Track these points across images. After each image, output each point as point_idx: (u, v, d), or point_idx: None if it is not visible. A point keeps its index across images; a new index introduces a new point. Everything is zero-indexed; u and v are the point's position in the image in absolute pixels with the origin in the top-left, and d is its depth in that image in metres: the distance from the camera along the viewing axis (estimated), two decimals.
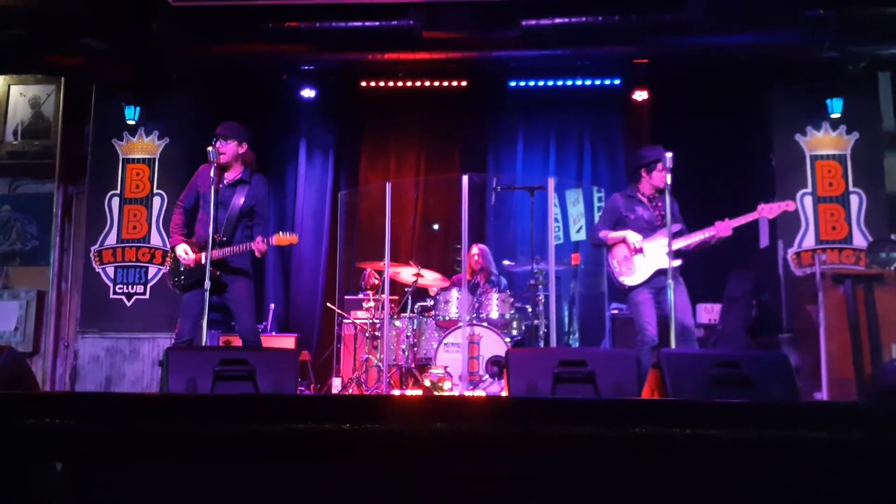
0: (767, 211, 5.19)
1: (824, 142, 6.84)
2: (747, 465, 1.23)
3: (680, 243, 5.06)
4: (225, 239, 4.88)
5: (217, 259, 4.79)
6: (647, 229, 5.22)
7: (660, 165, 5.13)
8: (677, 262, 4.98)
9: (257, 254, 4.87)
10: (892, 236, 6.39)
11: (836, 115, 6.72)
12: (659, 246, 5.09)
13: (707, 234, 5.10)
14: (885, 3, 5.96)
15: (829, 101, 6.70)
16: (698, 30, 6.14)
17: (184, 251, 4.93)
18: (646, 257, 5.15)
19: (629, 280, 5.20)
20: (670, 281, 4.75)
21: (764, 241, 7.08)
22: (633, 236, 5.16)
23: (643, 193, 5.35)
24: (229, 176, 5.03)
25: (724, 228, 5.06)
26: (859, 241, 6.61)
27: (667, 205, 4.87)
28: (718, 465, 1.23)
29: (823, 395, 5.67)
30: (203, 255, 4.75)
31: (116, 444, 1.27)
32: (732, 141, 7.44)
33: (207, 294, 4.59)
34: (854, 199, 6.74)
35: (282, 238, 4.85)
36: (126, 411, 1.31)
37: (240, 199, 4.98)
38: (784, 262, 6.71)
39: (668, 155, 4.80)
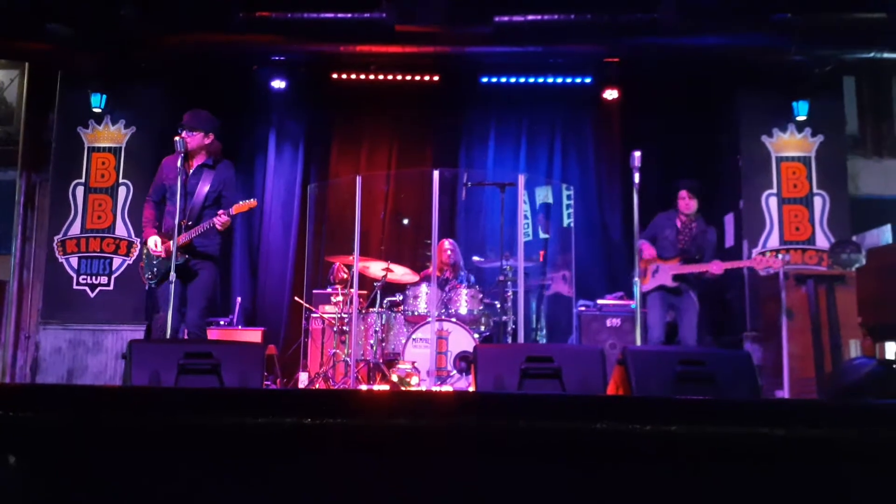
0: (758, 262, 5.77)
1: (790, 144, 6.95)
2: (707, 460, 1.25)
3: (682, 270, 5.72)
4: (191, 224, 4.87)
5: (184, 244, 4.78)
6: (670, 249, 5.84)
7: (681, 193, 5.86)
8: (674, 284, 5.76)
9: (219, 226, 4.82)
10: (854, 238, 6.51)
11: (801, 118, 6.83)
12: (669, 267, 5.78)
13: (702, 269, 5.68)
14: (851, 9, 6.07)
15: (795, 104, 6.80)
16: (669, 31, 6.19)
17: (154, 243, 4.93)
18: (658, 272, 5.80)
19: (642, 286, 5.85)
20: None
21: (729, 241, 7.18)
22: (647, 253, 5.83)
23: (679, 217, 5.94)
24: (194, 164, 5.01)
25: (717, 268, 5.63)
26: (822, 242, 6.74)
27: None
28: (679, 460, 1.24)
29: (785, 393, 5.77)
30: (171, 243, 4.72)
31: (74, 437, 1.25)
32: (700, 141, 7.53)
33: (173, 285, 4.57)
34: (818, 201, 6.85)
35: (240, 206, 4.88)
36: (84, 404, 1.28)
37: (205, 186, 4.96)
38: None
39: (637, 154, 4.85)
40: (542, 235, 7.76)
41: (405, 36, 6.32)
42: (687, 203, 5.88)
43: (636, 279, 5.82)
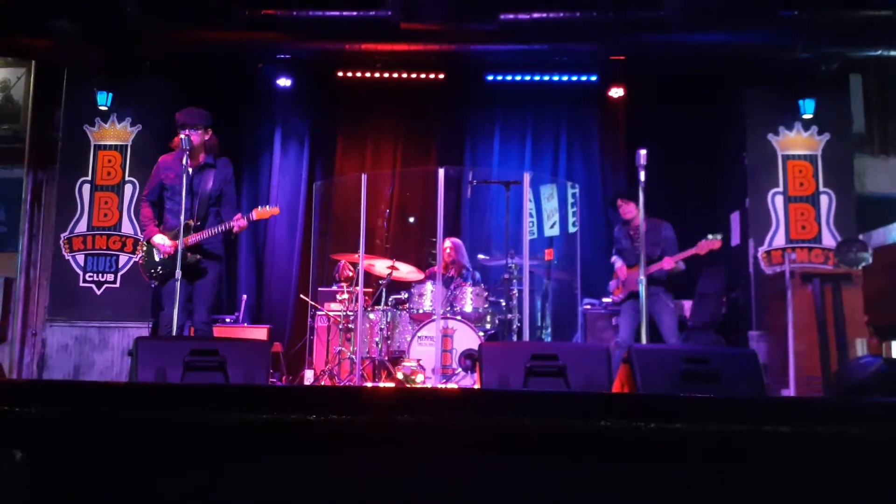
0: (702, 247, 5.64)
1: (796, 142, 6.93)
2: (712, 458, 1.25)
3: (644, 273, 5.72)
4: (199, 223, 4.88)
5: (194, 244, 4.80)
6: (631, 258, 5.94)
7: (617, 202, 6.06)
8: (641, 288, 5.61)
9: (236, 229, 4.86)
10: (860, 236, 6.48)
11: (808, 116, 6.79)
12: (634, 273, 5.78)
13: (656, 268, 5.68)
14: (857, 7, 6.05)
15: (801, 102, 6.77)
16: (674, 28, 6.17)
17: (161, 240, 4.91)
18: (627, 281, 5.91)
19: (614, 297, 6.19)
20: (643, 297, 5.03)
21: (735, 240, 7.16)
22: (620, 272, 6.00)
23: (627, 226, 6.05)
24: (196, 163, 5.01)
25: (668, 263, 5.69)
26: (828, 240, 6.71)
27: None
28: (684, 458, 1.24)
29: (791, 391, 5.75)
30: (179, 242, 4.73)
31: (80, 433, 1.25)
32: (706, 139, 7.51)
33: (179, 283, 4.58)
34: (824, 200, 6.83)
35: (262, 212, 4.91)
36: (89, 400, 1.29)
37: (208, 184, 4.98)
38: (754, 260, 6.79)
39: (643, 152, 4.84)
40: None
41: (410, 34, 6.32)
42: (624, 210, 5.99)
43: (611, 292, 6.05)
